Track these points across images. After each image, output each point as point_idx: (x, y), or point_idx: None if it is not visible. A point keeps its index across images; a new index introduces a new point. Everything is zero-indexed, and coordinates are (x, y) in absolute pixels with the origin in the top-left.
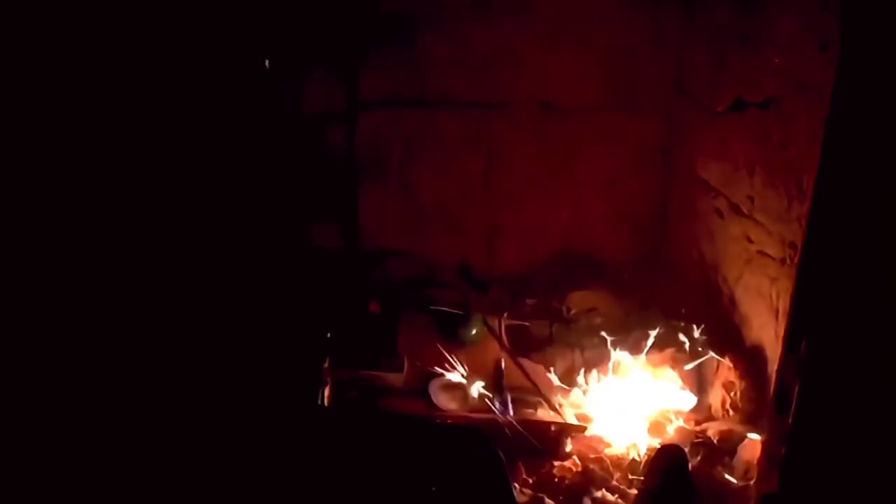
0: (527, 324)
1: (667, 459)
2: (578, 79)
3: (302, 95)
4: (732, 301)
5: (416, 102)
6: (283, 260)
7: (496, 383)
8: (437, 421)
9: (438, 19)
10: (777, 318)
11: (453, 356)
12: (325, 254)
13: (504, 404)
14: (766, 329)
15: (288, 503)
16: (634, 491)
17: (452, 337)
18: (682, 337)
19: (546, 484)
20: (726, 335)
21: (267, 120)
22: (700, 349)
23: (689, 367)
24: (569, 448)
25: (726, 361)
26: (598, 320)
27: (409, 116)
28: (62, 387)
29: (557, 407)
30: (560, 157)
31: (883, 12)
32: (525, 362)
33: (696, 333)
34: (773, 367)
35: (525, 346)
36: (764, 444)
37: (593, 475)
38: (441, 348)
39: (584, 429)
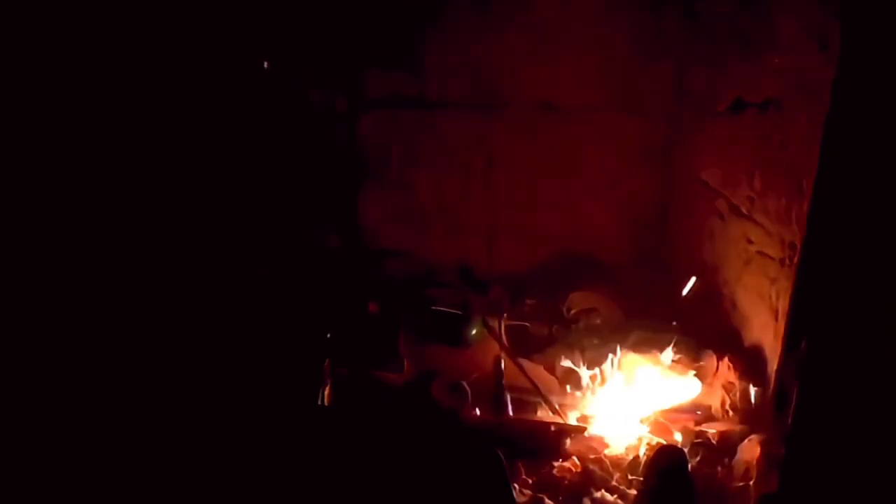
0: (527, 324)
1: (666, 460)
2: (578, 79)
3: (303, 96)
4: (732, 301)
5: (416, 103)
6: (282, 260)
7: (496, 383)
8: (438, 421)
9: (439, 20)
10: (777, 318)
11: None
12: (325, 254)
13: (503, 404)
14: (766, 329)
15: (288, 503)
16: (634, 491)
17: (452, 337)
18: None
19: (546, 484)
20: (726, 335)
21: (266, 120)
22: (700, 349)
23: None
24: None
25: (726, 361)
26: (598, 320)
27: (409, 117)
28: (63, 386)
29: (557, 407)
30: (560, 157)
31: (882, 13)
32: (525, 362)
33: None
34: (772, 367)
35: (525, 346)
36: (763, 444)
37: (593, 475)
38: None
39: (584, 429)
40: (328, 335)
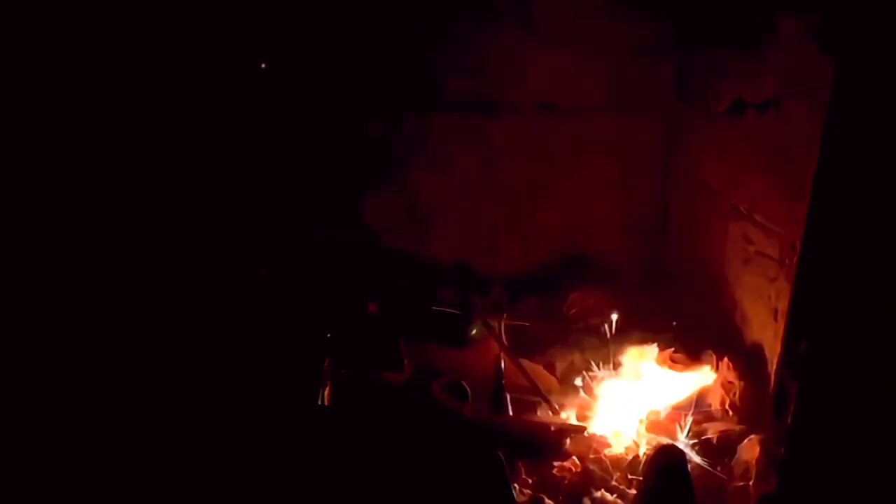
0: (527, 324)
1: (665, 459)
2: (578, 79)
3: (304, 96)
4: (732, 301)
5: (416, 103)
6: (282, 260)
7: (496, 383)
8: (438, 421)
9: (439, 20)
10: (776, 318)
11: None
12: (325, 254)
13: (503, 404)
14: (766, 329)
15: (288, 503)
16: (634, 491)
17: (452, 337)
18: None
19: (546, 484)
20: (726, 335)
21: (266, 120)
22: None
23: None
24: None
25: (726, 361)
26: (598, 320)
27: (409, 117)
28: (63, 386)
29: (557, 407)
30: (560, 157)
31: (881, 14)
32: (525, 362)
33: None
34: (772, 367)
35: (525, 346)
36: (763, 443)
37: (593, 475)
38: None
39: (584, 429)
40: (328, 335)
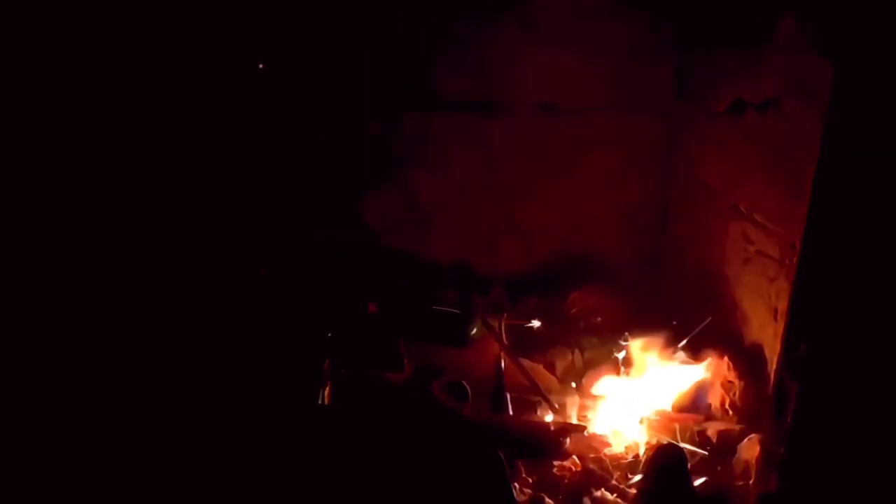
0: (527, 324)
1: (665, 459)
2: (578, 79)
3: (304, 96)
4: (732, 301)
5: (416, 103)
6: (282, 260)
7: (496, 383)
8: (438, 421)
9: (439, 20)
10: (776, 318)
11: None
12: (325, 254)
13: (503, 404)
14: (765, 329)
15: (288, 502)
16: (634, 490)
17: (453, 337)
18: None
19: (546, 483)
20: (726, 335)
21: (267, 120)
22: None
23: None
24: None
25: (726, 361)
26: (598, 320)
27: (409, 117)
28: (63, 386)
29: (557, 407)
30: (560, 157)
31: (881, 15)
32: (525, 362)
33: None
34: (772, 366)
35: (525, 346)
36: (763, 443)
37: (593, 475)
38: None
39: (584, 428)
40: (328, 335)
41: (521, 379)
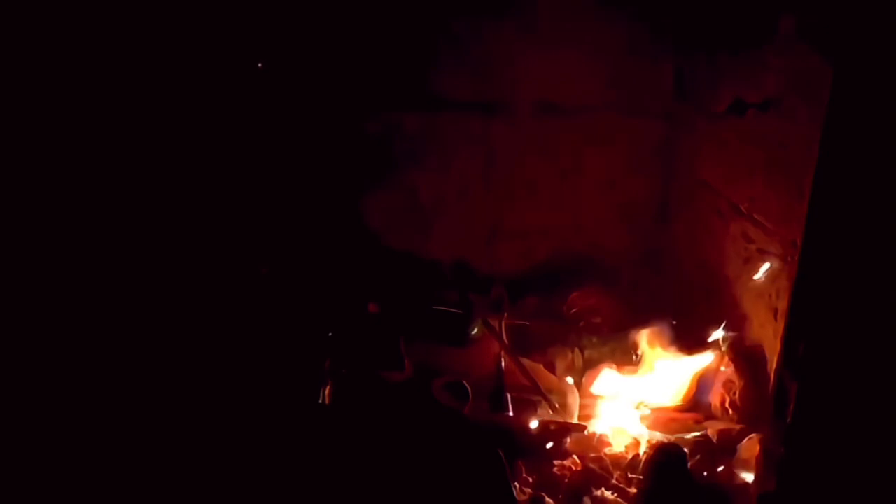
0: (527, 324)
1: (666, 458)
2: (578, 79)
3: (303, 96)
4: (732, 300)
5: (416, 103)
6: (283, 259)
7: (496, 382)
8: (438, 421)
9: (439, 20)
10: (776, 317)
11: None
12: (325, 254)
13: (504, 403)
14: (766, 328)
15: (289, 502)
16: (634, 490)
17: (453, 336)
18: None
19: (546, 483)
20: (726, 335)
21: (268, 119)
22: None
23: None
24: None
25: (726, 360)
26: (598, 320)
27: (409, 117)
28: (63, 386)
29: (557, 406)
30: (560, 157)
31: (880, 14)
32: (525, 361)
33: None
34: (772, 366)
35: (525, 346)
36: (762, 443)
37: (593, 474)
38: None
39: (584, 428)
40: (328, 335)
41: (522, 378)
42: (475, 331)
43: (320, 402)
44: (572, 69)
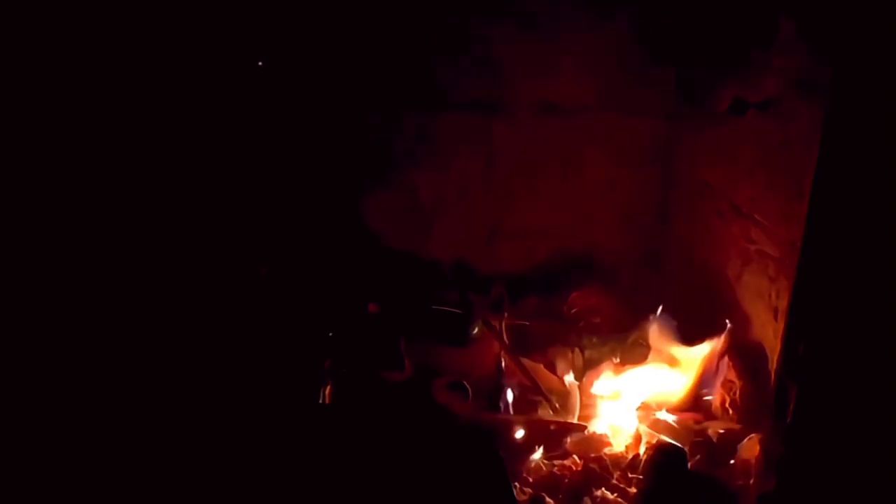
0: (527, 324)
1: (666, 458)
2: (578, 79)
3: (303, 95)
4: (732, 300)
5: (416, 103)
6: (283, 259)
7: (496, 382)
8: (438, 421)
9: (439, 20)
10: (776, 317)
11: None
12: (325, 254)
13: (504, 403)
14: (766, 328)
15: (289, 502)
16: (634, 490)
17: (453, 336)
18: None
19: (546, 483)
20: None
21: (268, 119)
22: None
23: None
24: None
25: (726, 361)
26: (598, 320)
27: (409, 117)
28: (62, 386)
29: (557, 406)
30: (560, 157)
31: (879, 15)
32: (525, 361)
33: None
34: (772, 366)
35: (525, 346)
36: (762, 443)
37: (593, 474)
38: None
39: (584, 428)
40: (328, 335)
41: (522, 378)
42: (475, 331)
43: (320, 402)
44: (572, 69)
